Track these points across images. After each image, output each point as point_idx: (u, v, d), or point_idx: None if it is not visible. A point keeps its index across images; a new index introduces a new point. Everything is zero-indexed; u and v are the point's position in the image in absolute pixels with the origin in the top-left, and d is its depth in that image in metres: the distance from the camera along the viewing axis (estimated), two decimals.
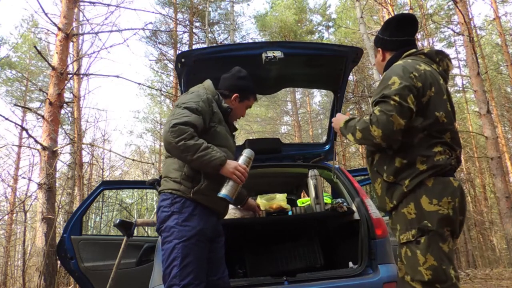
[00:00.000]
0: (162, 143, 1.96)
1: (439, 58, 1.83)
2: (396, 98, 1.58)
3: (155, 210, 2.26)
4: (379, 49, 1.91)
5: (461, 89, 18.14)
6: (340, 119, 1.87)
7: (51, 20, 6.94)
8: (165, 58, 15.12)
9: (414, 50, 1.84)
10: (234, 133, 2.28)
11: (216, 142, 1.94)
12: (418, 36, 14.98)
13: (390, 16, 2.05)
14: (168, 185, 1.93)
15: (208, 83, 2.16)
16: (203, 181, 1.89)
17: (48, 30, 9.68)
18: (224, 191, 1.87)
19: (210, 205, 1.93)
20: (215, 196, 1.90)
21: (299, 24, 18.02)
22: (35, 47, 7.43)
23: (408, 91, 1.61)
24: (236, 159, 2.01)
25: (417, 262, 1.61)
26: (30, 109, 11.25)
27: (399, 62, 1.77)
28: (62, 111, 7.29)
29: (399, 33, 1.87)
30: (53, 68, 6.61)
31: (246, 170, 1.91)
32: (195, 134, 1.82)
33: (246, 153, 1.98)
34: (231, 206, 2.85)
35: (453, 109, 1.81)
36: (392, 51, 1.87)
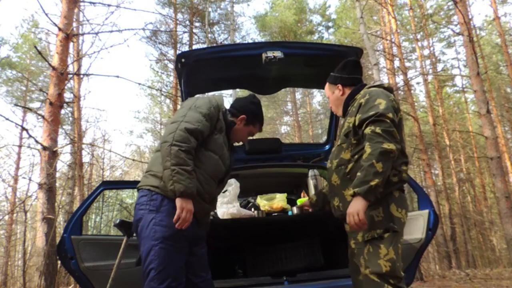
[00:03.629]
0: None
1: (394, 94, 2.02)
2: (390, 116, 1.76)
3: None
4: (339, 85, 2.10)
5: (461, 89, 18.16)
6: (357, 203, 1.71)
7: (52, 20, 6.95)
8: (165, 58, 15.12)
9: (376, 83, 2.05)
10: (231, 148, 2.22)
11: (211, 147, 1.92)
12: (418, 36, 14.98)
13: (348, 59, 2.26)
14: (147, 181, 1.85)
15: (218, 96, 2.16)
16: None
17: (48, 30, 9.72)
18: None
19: None
20: (195, 201, 1.80)
21: (299, 24, 18.02)
22: (35, 47, 7.44)
23: (393, 109, 1.81)
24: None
25: (378, 255, 1.75)
26: (30, 109, 11.27)
27: (372, 89, 1.94)
28: (62, 111, 7.31)
29: (355, 72, 2.13)
30: (54, 68, 6.61)
31: (189, 221, 1.75)
32: (192, 150, 1.79)
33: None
34: (231, 206, 2.85)
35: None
36: (351, 87, 2.09)
